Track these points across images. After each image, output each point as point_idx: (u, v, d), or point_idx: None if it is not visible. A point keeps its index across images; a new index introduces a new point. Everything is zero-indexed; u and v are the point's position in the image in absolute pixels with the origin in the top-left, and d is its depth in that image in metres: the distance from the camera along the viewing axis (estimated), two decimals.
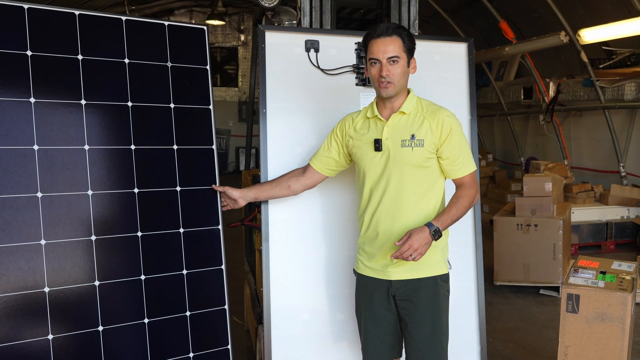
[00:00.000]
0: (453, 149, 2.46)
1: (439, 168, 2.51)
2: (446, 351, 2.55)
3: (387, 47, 2.40)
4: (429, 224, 2.36)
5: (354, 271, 2.69)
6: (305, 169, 2.78)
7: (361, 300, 2.65)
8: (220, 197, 2.83)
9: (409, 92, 2.53)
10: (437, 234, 2.36)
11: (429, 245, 2.36)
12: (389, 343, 2.59)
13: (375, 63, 2.42)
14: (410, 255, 2.30)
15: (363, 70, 3.01)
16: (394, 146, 2.47)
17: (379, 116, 2.52)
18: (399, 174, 2.46)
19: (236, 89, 16.85)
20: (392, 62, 2.40)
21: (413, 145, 2.44)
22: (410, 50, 2.46)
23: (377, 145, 2.49)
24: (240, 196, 2.80)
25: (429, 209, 2.49)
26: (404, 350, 2.62)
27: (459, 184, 2.52)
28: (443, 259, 2.54)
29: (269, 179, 2.90)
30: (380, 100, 2.53)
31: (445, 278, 2.55)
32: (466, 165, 2.49)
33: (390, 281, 2.51)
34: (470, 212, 3.18)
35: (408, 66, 2.46)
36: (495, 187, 9.48)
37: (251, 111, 4.91)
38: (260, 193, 2.83)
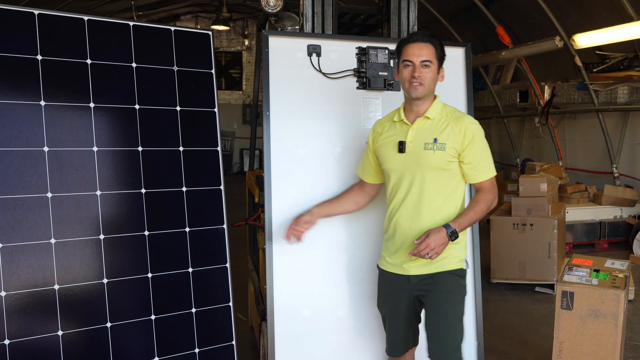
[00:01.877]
0: (474, 155, 2.51)
1: (460, 172, 2.55)
2: (459, 341, 2.56)
3: (422, 51, 2.47)
4: (446, 225, 2.42)
5: (377, 266, 2.75)
6: (362, 185, 2.83)
7: (382, 293, 2.73)
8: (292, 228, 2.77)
9: (435, 98, 2.58)
10: (453, 235, 2.42)
11: (445, 245, 2.42)
12: (406, 333, 2.68)
13: (408, 65, 2.48)
14: (427, 254, 2.38)
15: (364, 74, 3.01)
16: (417, 149, 2.52)
17: (405, 120, 2.57)
18: (421, 176, 2.52)
19: (240, 92, 16.86)
20: (424, 66, 2.47)
21: (435, 148, 2.49)
22: (440, 59, 2.53)
23: (401, 147, 2.54)
24: (315, 215, 2.78)
25: (449, 211, 2.53)
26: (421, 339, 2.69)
27: (478, 188, 2.58)
28: (459, 255, 2.57)
29: (272, 179, 2.89)
30: (407, 104, 2.59)
31: (460, 273, 2.58)
32: (486, 170, 2.55)
33: (409, 276, 2.57)
34: None
35: (437, 73, 2.53)
36: None
37: (255, 114, 4.91)
38: (331, 211, 2.84)
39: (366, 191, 2.82)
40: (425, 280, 2.55)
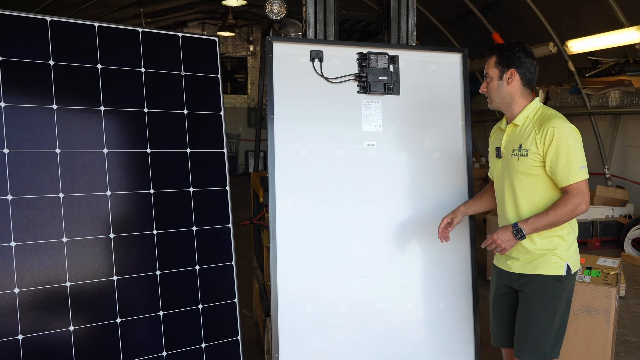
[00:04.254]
0: (553, 158, 2.37)
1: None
2: (550, 348, 2.48)
3: (484, 66, 2.58)
4: (514, 224, 2.43)
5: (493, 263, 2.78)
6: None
7: (493, 287, 2.77)
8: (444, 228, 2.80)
9: (530, 102, 2.53)
10: (519, 234, 2.41)
11: (512, 243, 2.44)
12: (507, 330, 2.69)
13: None
14: (495, 248, 2.47)
15: (364, 79, 3.00)
16: (508, 154, 2.55)
17: (503, 126, 2.63)
18: (511, 181, 2.53)
19: (245, 96, 16.87)
20: (485, 80, 2.57)
21: (519, 154, 2.47)
22: (502, 63, 2.49)
23: (497, 152, 2.64)
24: (462, 215, 2.84)
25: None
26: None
27: (563, 192, 2.42)
28: (560, 261, 2.47)
29: (276, 180, 2.89)
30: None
31: (559, 278, 2.46)
32: (568, 175, 2.36)
33: (510, 273, 2.59)
34: None
35: (501, 79, 2.51)
36: None
37: (259, 117, 4.91)
38: (478, 209, 2.92)
39: None
40: (523, 279, 2.52)
